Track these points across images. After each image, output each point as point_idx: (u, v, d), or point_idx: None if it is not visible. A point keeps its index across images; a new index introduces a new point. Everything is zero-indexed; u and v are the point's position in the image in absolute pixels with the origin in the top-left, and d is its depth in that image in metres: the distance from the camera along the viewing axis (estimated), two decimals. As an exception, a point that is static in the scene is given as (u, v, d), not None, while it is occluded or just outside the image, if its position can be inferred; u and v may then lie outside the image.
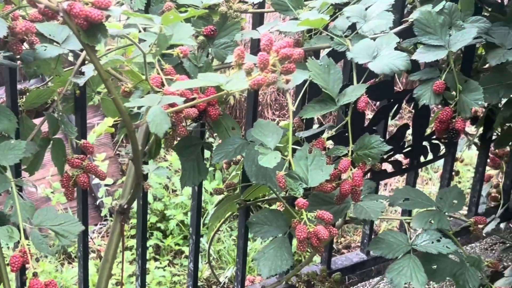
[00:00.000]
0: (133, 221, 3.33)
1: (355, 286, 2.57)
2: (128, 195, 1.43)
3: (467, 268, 1.62)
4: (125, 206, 1.43)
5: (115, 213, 1.47)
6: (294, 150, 1.40)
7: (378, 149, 1.44)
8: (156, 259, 3.27)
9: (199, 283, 3.03)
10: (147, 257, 3.18)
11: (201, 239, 3.10)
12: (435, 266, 1.58)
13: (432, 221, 1.59)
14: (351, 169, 1.44)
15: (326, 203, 1.49)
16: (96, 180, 3.52)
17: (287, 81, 1.24)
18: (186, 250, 3.28)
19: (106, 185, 3.56)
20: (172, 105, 1.26)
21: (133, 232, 3.31)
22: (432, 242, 1.56)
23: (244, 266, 1.88)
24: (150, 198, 3.48)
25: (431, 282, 2.36)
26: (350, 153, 1.46)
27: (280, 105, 4.20)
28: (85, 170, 1.42)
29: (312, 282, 1.83)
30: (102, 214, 3.54)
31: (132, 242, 3.23)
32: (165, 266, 3.22)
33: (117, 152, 3.89)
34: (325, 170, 1.38)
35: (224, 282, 3.04)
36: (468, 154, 3.96)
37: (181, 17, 1.28)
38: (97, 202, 3.57)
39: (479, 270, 1.64)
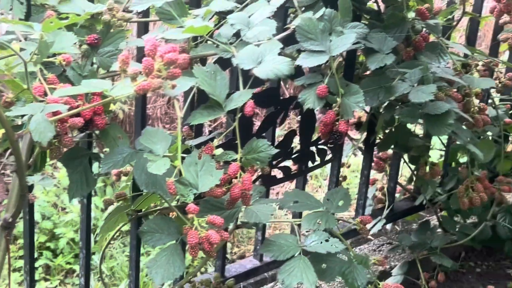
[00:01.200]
0: (21, 241, 3.22)
1: (250, 294, 2.58)
2: (13, 208, 1.39)
3: (355, 266, 1.67)
4: (10, 220, 1.39)
5: (-1, 229, 1.42)
6: (184, 158, 1.40)
7: (266, 153, 1.47)
8: (46, 279, 3.17)
9: (92, 302, 2.95)
10: (37, 278, 3.08)
11: (92, 256, 3.04)
12: (324, 266, 1.62)
13: (320, 222, 1.63)
14: (240, 174, 1.46)
15: (217, 209, 1.50)
16: (-21, 201, 3.38)
17: (173, 86, 1.24)
18: (78, 268, 3.19)
19: (-10, 206, 3.42)
20: (56, 113, 1.24)
21: (21, 253, 3.19)
22: (321, 242, 1.59)
23: (138, 279, 1.86)
24: (38, 217, 3.37)
25: (322, 286, 2.41)
26: (239, 158, 1.47)
27: (170, 118, 4.18)
28: (-34, 185, 1.37)
29: (207, 290, 1.84)
30: (-13, 237, 3.40)
31: (20, 263, 3.11)
32: (56, 286, 3.13)
33: (2, 171, 3.75)
34: (215, 175, 1.39)
35: (118, 298, 2.99)
36: (355, 161, 4.09)
37: (63, 23, 1.25)
38: (-18, 224, 3.42)
39: (367, 267, 1.69)
